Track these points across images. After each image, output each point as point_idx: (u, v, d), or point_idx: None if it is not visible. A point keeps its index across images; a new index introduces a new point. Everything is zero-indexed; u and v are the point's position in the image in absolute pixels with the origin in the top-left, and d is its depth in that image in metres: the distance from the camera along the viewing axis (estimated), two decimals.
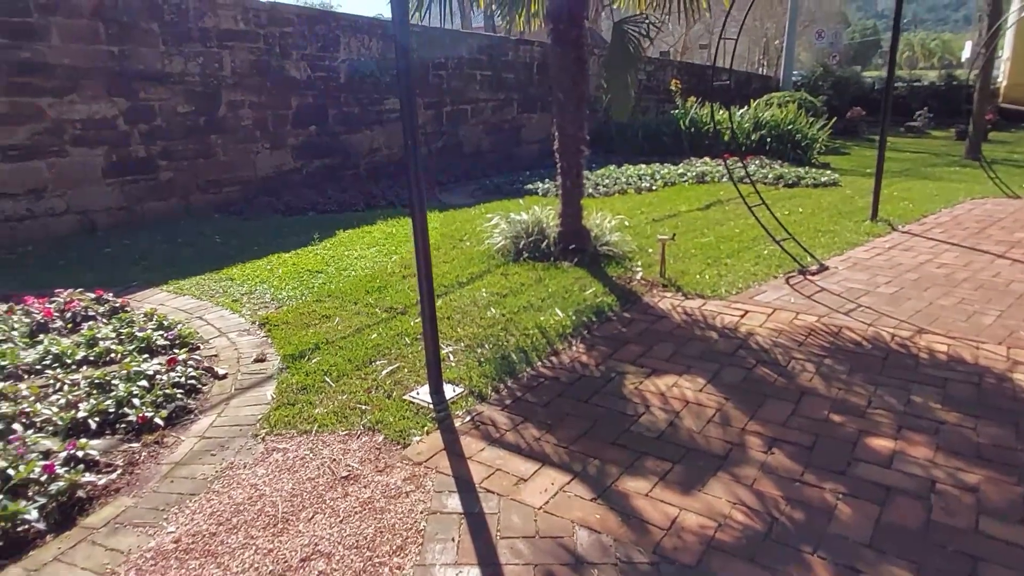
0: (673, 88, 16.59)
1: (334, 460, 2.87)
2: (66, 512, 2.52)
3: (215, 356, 4.02)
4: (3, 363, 3.64)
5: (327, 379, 3.63)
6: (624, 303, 4.85)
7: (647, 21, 6.01)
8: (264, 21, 8.79)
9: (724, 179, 10.62)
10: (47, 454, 2.76)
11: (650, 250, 6.17)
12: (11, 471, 2.58)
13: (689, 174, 10.93)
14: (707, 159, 12.41)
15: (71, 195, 7.12)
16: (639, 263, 5.79)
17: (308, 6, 13.17)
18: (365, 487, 2.67)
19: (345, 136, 10.18)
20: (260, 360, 3.93)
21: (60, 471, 2.62)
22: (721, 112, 13.69)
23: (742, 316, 4.59)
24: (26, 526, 2.38)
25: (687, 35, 31.05)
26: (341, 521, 2.46)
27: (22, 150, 6.69)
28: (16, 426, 2.99)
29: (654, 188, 10.08)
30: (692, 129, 14.10)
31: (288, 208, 8.53)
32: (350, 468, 2.80)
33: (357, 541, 2.35)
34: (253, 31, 8.68)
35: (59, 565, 2.27)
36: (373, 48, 10.36)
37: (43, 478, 2.57)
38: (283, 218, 8.12)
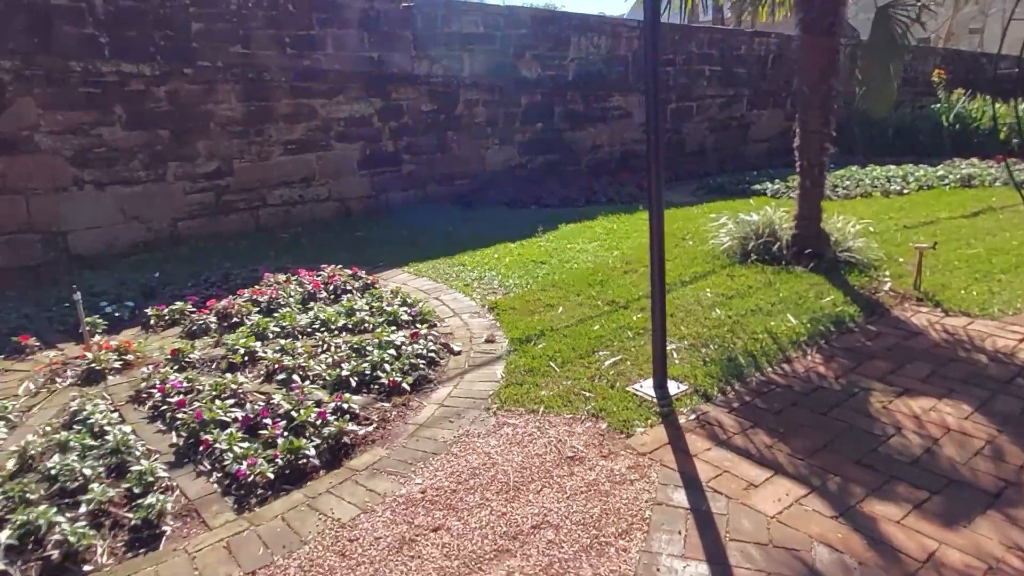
0: (936, 79, 14.56)
1: (560, 440, 2.97)
2: (334, 453, 2.92)
3: (450, 334, 4.36)
4: (284, 324, 4.28)
5: (552, 364, 3.76)
6: (869, 315, 4.40)
7: (918, 4, 5.32)
8: (501, 24, 9.30)
9: (998, 183, 9.13)
10: (319, 403, 3.20)
11: (900, 259, 5.52)
12: (294, 413, 3.04)
13: (951, 176, 9.55)
14: (975, 160, 10.74)
15: (332, 184, 8.15)
16: (887, 273, 5.21)
17: (540, 8, 13.67)
18: (590, 469, 2.73)
19: (569, 133, 10.43)
20: (490, 341, 4.19)
21: (331, 418, 3.03)
22: (999, 106, 11.78)
23: (1021, 340, 3.93)
24: (305, 460, 2.79)
25: (954, 18, 27.13)
26: (568, 497, 2.54)
27: (298, 144, 7.79)
28: (295, 377, 3.51)
29: (905, 191, 8.98)
30: (956, 126, 12.28)
31: (512, 201, 8.95)
32: (575, 449, 2.88)
33: (583, 518, 2.41)
34: (490, 34, 9.23)
35: (330, 497, 2.62)
36: (602, 46, 10.48)
37: (317, 422, 2.99)
38: (507, 210, 8.55)
